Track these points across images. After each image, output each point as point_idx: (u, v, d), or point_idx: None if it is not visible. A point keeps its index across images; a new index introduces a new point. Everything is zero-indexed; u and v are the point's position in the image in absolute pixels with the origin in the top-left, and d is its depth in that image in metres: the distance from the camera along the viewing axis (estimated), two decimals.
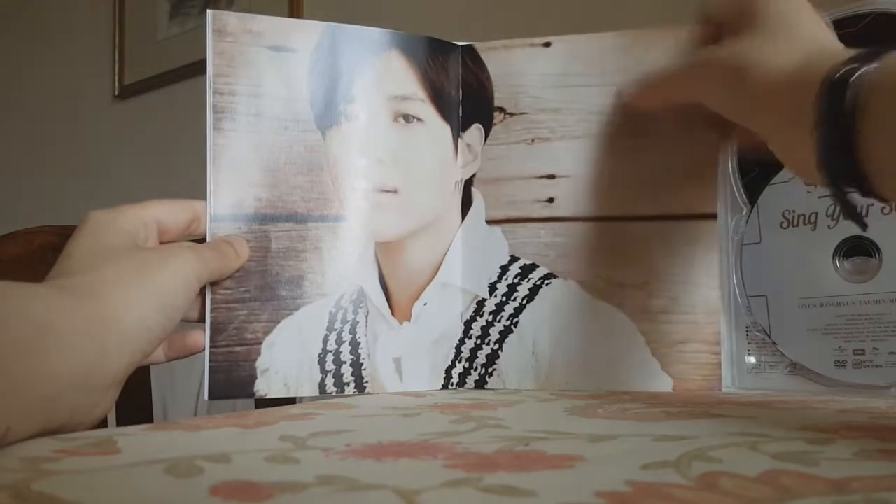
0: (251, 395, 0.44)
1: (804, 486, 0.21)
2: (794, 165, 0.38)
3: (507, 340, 0.49)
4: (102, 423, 0.35)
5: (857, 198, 0.33)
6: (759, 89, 0.37)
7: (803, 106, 0.34)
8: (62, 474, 0.23)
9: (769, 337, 0.47)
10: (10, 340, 0.29)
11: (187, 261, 0.39)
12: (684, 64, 0.44)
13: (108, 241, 0.38)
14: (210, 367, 0.44)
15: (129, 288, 0.36)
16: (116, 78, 1.91)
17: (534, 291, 0.49)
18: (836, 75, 0.32)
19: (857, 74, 0.32)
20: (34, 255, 0.62)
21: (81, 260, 0.37)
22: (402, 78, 0.49)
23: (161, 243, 0.42)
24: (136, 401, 0.64)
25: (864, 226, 0.34)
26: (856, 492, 0.20)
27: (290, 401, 0.50)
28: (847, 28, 0.47)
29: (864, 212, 0.44)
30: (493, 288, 0.49)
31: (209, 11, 0.45)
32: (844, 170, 0.32)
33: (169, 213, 0.42)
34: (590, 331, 0.48)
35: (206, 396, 0.44)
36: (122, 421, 0.63)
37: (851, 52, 0.34)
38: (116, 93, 1.92)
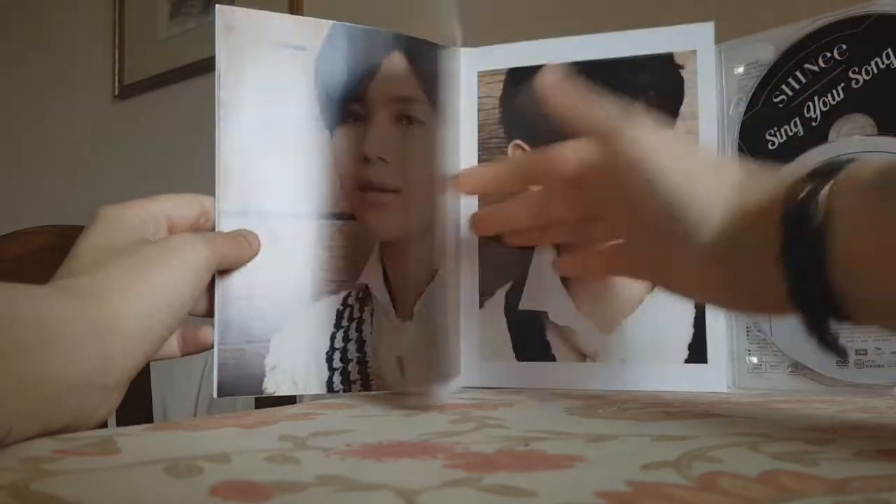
0: (259, 392, 0.44)
1: (804, 486, 0.21)
2: (757, 308, 0.35)
3: None
4: (102, 423, 0.35)
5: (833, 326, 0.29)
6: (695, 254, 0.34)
7: (762, 243, 0.30)
8: (62, 474, 0.23)
9: (769, 337, 0.47)
10: (13, 341, 0.28)
11: (195, 251, 0.39)
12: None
13: (116, 237, 0.38)
14: (219, 364, 0.43)
15: (131, 288, 0.35)
16: (116, 78, 1.91)
17: None
18: (799, 196, 0.29)
19: (822, 192, 0.29)
20: (34, 255, 0.62)
21: (88, 259, 0.37)
22: (405, 79, 0.49)
23: None
24: (136, 401, 0.64)
25: (844, 355, 0.31)
26: (856, 492, 0.20)
27: (291, 400, 0.50)
28: (849, 29, 0.47)
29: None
30: None
31: (217, 7, 0.45)
32: (819, 296, 0.29)
33: (178, 207, 0.42)
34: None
35: (214, 394, 0.43)
36: (122, 421, 0.63)
37: (796, 172, 0.31)
38: (116, 93, 1.92)
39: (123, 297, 0.35)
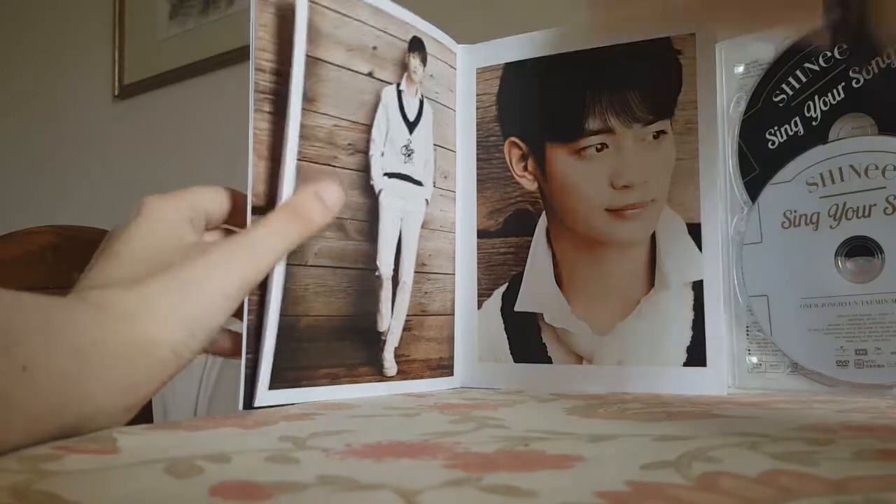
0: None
1: (804, 486, 0.21)
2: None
3: None
4: None
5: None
6: None
7: None
8: (62, 474, 0.23)
9: (770, 337, 0.47)
10: (48, 364, 0.28)
11: (232, 272, 0.36)
12: None
13: (158, 240, 0.36)
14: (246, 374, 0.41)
15: (167, 315, 0.34)
16: (116, 78, 1.91)
17: None
18: None
19: None
20: (34, 255, 0.62)
21: (127, 266, 0.35)
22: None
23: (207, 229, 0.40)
24: None
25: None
26: (856, 492, 0.20)
27: None
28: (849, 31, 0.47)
29: (866, 212, 0.45)
30: None
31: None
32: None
33: (214, 201, 0.40)
34: None
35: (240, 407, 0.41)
36: None
37: None
38: (116, 93, 1.92)
39: (159, 323, 0.33)
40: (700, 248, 0.47)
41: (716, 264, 0.46)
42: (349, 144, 0.44)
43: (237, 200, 0.41)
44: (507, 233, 0.50)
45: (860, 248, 0.46)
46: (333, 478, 0.22)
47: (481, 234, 0.51)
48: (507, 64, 0.51)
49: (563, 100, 0.49)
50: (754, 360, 0.48)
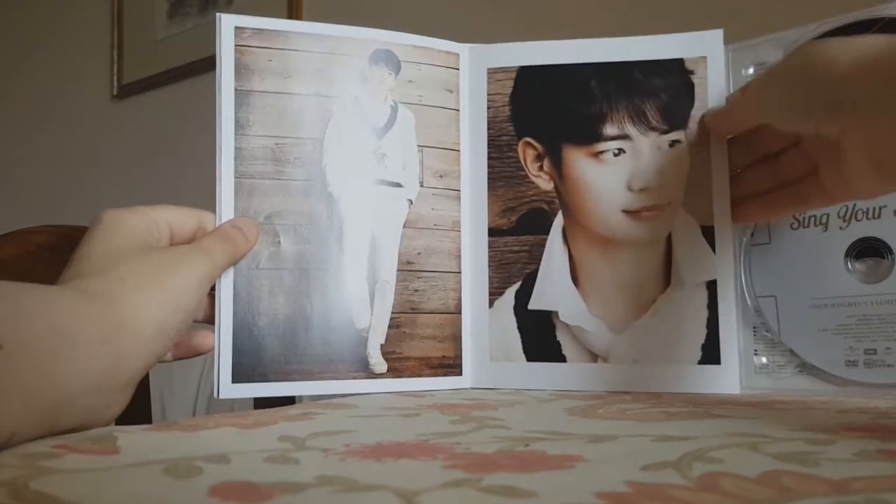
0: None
1: (805, 486, 0.21)
2: (879, 160, 0.37)
3: None
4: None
5: None
6: (834, 82, 0.37)
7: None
8: (61, 473, 0.23)
9: (778, 337, 0.47)
10: (25, 343, 0.28)
11: (199, 263, 0.39)
12: (739, 90, 0.45)
13: (122, 241, 0.38)
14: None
15: (145, 291, 0.35)
16: (115, 78, 1.91)
17: None
18: None
19: None
20: (32, 255, 0.62)
21: (97, 261, 0.36)
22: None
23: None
24: (134, 401, 0.64)
25: None
26: (856, 492, 0.20)
27: (290, 400, 0.50)
28: (858, 33, 0.46)
29: (876, 213, 0.45)
30: None
31: (219, 15, 0.46)
32: None
33: (179, 218, 0.42)
34: None
35: (217, 394, 0.44)
36: (120, 421, 0.63)
37: None
38: (115, 93, 1.92)
39: (137, 299, 0.35)
40: (714, 249, 0.47)
41: (729, 265, 0.47)
42: (296, 158, 0.47)
43: (203, 220, 0.44)
44: (520, 231, 0.50)
45: (870, 249, 0.46)
46: (333, 478, 0.22)
47: (493, 232, 0.51)
48: (522, 67, 0.51)
49: (581, 106, 0.50)
50: (763, 360, 0.48)
